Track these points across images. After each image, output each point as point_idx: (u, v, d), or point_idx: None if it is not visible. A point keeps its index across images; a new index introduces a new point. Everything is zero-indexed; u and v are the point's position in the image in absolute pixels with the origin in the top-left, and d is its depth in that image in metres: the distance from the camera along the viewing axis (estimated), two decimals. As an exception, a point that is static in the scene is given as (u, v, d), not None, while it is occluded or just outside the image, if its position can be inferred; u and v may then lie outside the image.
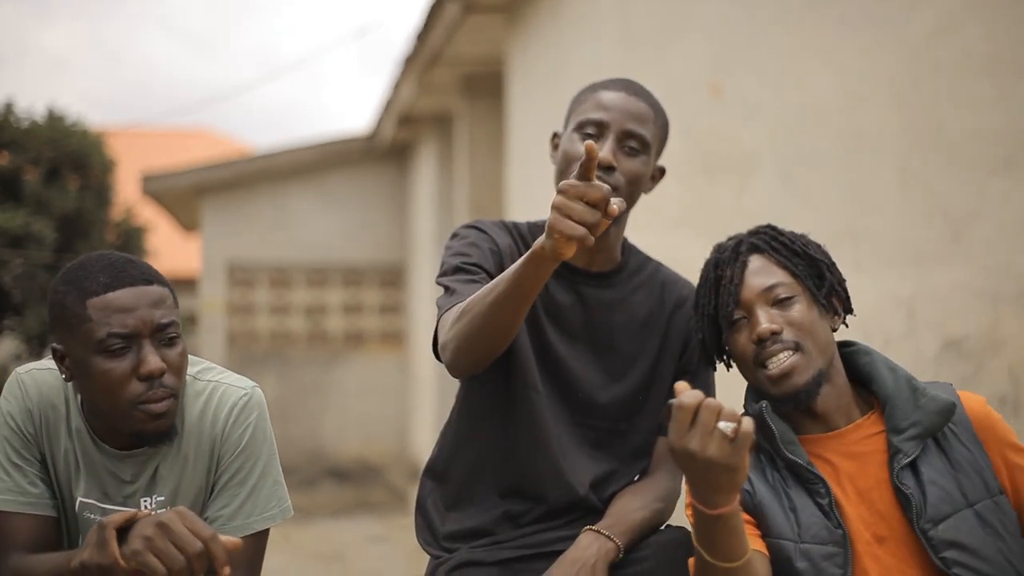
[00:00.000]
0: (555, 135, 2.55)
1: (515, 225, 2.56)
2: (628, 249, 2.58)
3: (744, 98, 4.49)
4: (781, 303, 2.12)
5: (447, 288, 2.34)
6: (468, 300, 2.15)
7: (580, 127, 2.42)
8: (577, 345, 2.48)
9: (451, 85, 8.90)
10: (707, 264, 2.23)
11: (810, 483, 2.07)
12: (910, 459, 2.06)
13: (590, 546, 2.30)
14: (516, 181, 6.84)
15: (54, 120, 11.56)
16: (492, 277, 2.32)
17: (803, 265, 2.16)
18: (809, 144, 4.08)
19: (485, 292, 2.09)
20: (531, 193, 6.38)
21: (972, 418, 2.11)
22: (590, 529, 2.34)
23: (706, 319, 2.21)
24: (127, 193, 13.04)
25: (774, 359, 2.08)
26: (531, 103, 6.58)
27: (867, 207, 3.73)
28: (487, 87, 8.43)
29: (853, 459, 2.11)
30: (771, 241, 2.18)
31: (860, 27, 3.81)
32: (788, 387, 2.08)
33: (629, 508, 2.40)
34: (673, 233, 4.64)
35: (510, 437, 2.46)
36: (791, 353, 2.08)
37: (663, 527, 2.45)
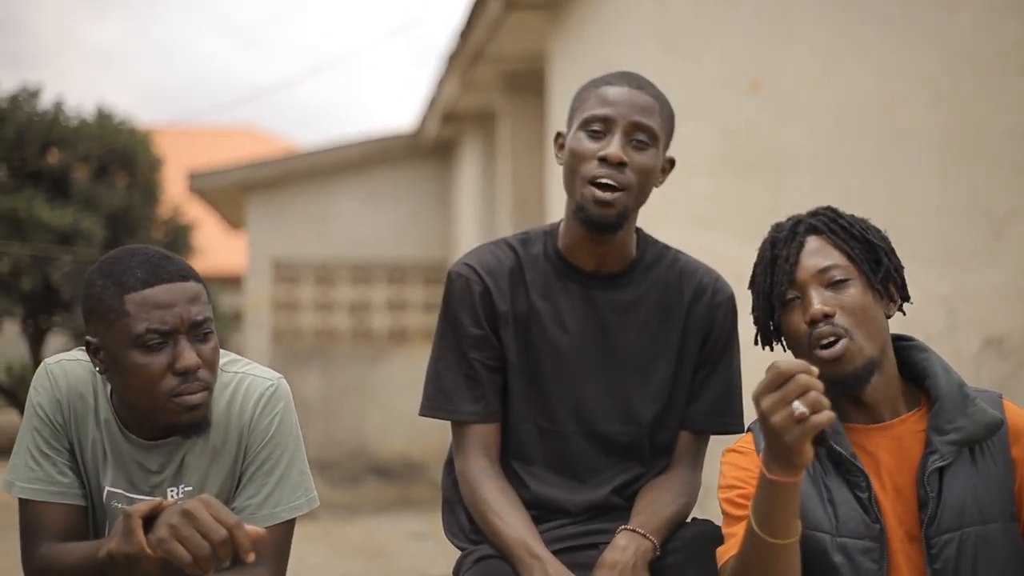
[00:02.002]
0: (559, 135, 2.48)
1: (519, 242, 2.53)
2: (643, 242, 2.51)
3: (782, 96, 4.48)
4: (835, 285, 2.09)
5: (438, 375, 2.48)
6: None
7: (585, 124, 2.35)
8: (595, 354, 2.45)
9: (493, 82, 8.92)
10: (764, 243, 2.20)
11: (851, 475, 2.06)
12: (944, 463, 2.04)
13: (628, 547, 2.28)
14: (558, 178, 6.83)
15: (102, 118, 11.70)
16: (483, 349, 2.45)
17: (860, 249, 2.13)
18: (847, 142, 4.07)
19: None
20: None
21: (1012, 435, 2.09)
22: (626, 529, 2.32)
23: (761, 297, 2.18)
24: (174, 191, 13.17)
25: (826, 342, 2.05)
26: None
27: (906, 205, 3.71)
28: (529, 84, 8.43)
29: (894, 453, 2.09)
30: (830, 223, 2.15)
31: (899, 25, 3.79)
32: (839, 372, 2.05)
33: (659, 504, 2.38)
34: (708, 231, 4.64)
35: (516, 467, 2.48)
36: (842, 339, 2.05)
37: (689, 520, 2.44)
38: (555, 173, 6.87)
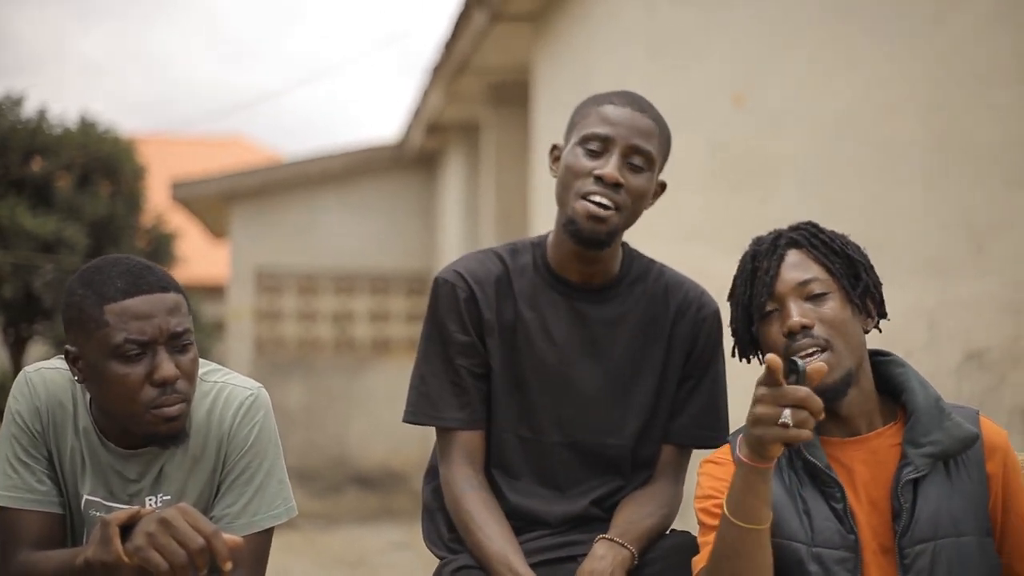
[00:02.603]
0: (555, 147, 2.49)
1: (508, 252, 2.52)
2: (629, 256, 2.53)
3: (769, 108, 4.48)
4: (815, 299, 2.11)
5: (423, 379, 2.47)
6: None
7: (584, 141, 2.36)
8: (580, 366, 2.45)
9: (478, 94, 8.93)
10: (745, 256, 2.22)
11: (826, 486, 2.07)
12: (919, 475, 2.05)
13: (605, 556, 2.29)
14: (542, 189, 6.84)
15: (86, 126, 11.64)
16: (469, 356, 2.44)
17: (840, 263, 2.15)
18: (834, 154, 4.07)
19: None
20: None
21: (987, 450, 2.11)
22: (604, 538, 2.33)
23: (739, 309, 2.20)
24: (158, 200, 13.13)
25: (805, 354, 2.07)
26: (557, 112, 6.57)
27: (891, 217, 3.71)
28: (514, 96, 8.45)
29: (870, 466, 2.10)
30: (811, 237, 2.18)
31: (886, 37, 3.80)
32: (817, 384, 2.07)
33: (638, 515, 2.39)
34: (695, 244, 4.64)
35: (496, 476, 2.47)
36: (820, 352, 2.07)
37: (668, 531, 2.45)
38: (539, 185, 6.87)
